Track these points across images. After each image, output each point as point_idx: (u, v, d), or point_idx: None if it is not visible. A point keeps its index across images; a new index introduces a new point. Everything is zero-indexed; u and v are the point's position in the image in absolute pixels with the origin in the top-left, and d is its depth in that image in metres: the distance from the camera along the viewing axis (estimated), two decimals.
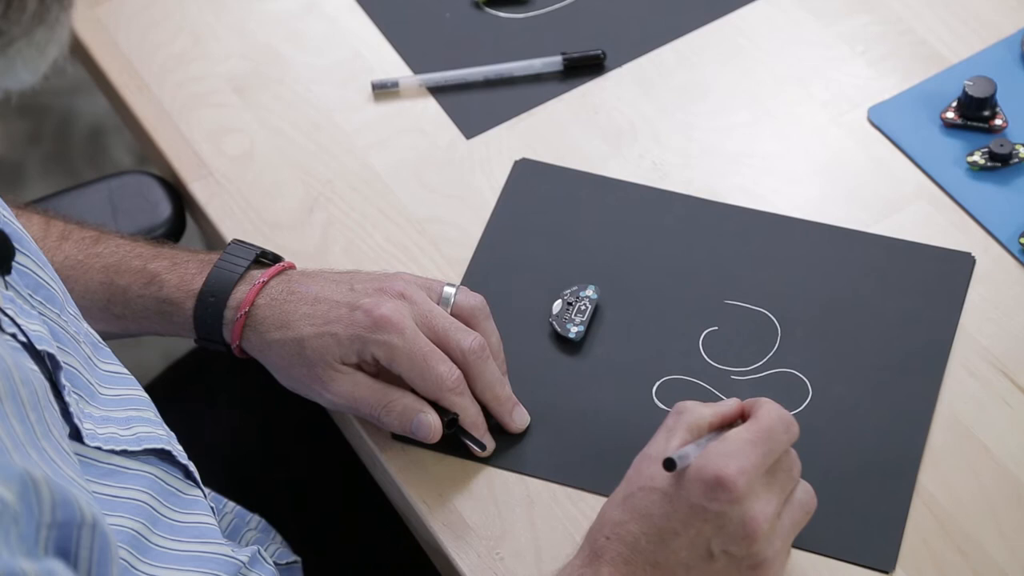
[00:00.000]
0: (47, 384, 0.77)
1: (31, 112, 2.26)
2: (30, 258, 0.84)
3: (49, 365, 0.80)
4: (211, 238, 1.17)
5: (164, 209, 1.19)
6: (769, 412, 0.87)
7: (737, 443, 0.85)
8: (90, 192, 1.23)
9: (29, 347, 0.78)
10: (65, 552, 0.69)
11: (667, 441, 0.88)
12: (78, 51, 1.27)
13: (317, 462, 1.19)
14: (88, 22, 1.25)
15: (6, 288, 0.79)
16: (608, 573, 0.86)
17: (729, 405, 0.90)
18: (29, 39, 0.68)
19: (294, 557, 1.06)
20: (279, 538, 1.07)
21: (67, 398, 0.80)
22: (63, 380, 0.80)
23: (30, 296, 0.82)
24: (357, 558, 1.15)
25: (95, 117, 2.23)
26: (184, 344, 1.16)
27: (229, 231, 1.12)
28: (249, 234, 1.11)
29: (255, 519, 1.06)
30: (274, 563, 0.99)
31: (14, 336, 0.77)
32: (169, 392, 1.23)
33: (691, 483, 0.85)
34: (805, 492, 0.89)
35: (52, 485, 0.68)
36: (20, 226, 0.86)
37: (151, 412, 0.90)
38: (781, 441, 0.87)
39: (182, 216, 1.20)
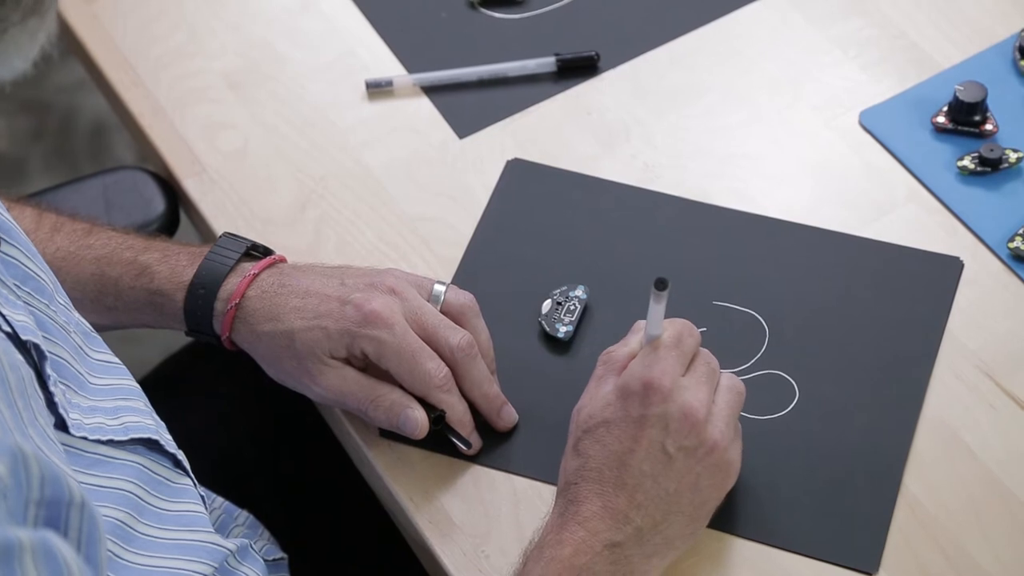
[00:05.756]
0: (33, 374, 0.77)
1: (34, 108, 2.26)
2: (18, 249, 0.84)
3: (34, 355, 0.80)
4: (205, 234, 1.17)
5: (158, 205, 1.20)
6: (672, 323, 0.94)
7: (651, 354, 0.93)
8: (84, 187, 1.23)
9: (14, 338, 0.78)
10: (54, 530, 0.69)
11: (598, 388, 0.93)
12: (74, 47, 1.27)
13: (306, 459, 1.20)
14: (84, 18, 1.26)
15: None
16: (586, 510, 0.90)
17: (640, 331, 0.96)
18: (23, 27, 0.69)
19: (281, 554, 1.06)
20: (267, 534, 1.07)
21: (52, 388, 0.80)
22: (48, 370, 0.80)
23: (16, 287, 0.83)
24: (344, 555, 1.15)
25: (97, 114, 2.24)
26: (180, 340, 1.17)
27: (222, 227, 1.13)
28: (242, 230, 1.12)
29: (243, 515, 1.06)
30: (262, 559, 1.00)
31: None
32: (162, 387, 1.23)
33: (625, 400, 0.92)
34: (730, 379, 0.96)
35: (42, 461, 0.68)
36: (10, 218, 0.86)
37: (141, 402, 0.91)
38: (689, 344, 0.94)
39: (176, 212, 1.21)
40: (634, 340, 0.95)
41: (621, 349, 0.95)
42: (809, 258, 1.08)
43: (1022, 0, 1.19)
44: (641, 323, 0.95)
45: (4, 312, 0.78)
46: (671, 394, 0.91)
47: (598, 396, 0.93)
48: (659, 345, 0.93)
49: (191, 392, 1.26)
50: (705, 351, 0.95)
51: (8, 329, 0.78)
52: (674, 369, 0.92)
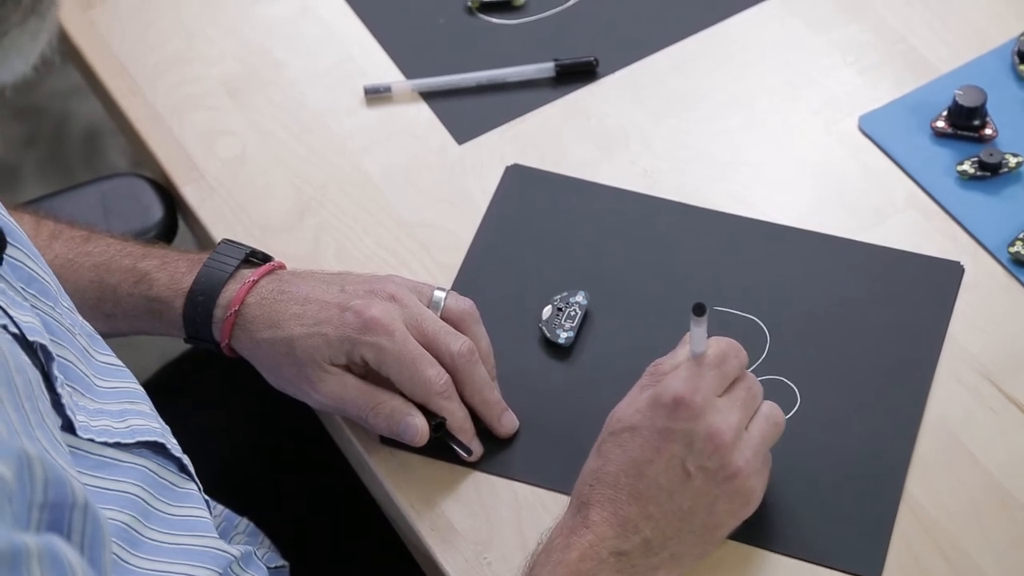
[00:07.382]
0: (39, 375, 0.77)
1: (27, 115, 2.26)
2: (23, 251, 0.84)
3: (41, 357, 0.80)
4: (203, 241, 1.17)
5: (156, 212, 1.20)
6: (718, 341, 0.93)
7: (691, 369, 0.92)
8: (82, 194, 1.23)
9: (21, 339, 0.78)
10: (58, 534, 0.69)
11: (640, 393, 0.92)
12: (72, 54, 1.27)
13: (306, 466, 1.19)
14: (81, 25, 1.25)
15: None
16: (596, 515, 0.89)
17: (688, 342, 0.94)
18: (23, 28, 0.69)
19: (282, 561, 1.06)
20: (267, 542, 1.07)
21: (59, 390, 0.80)
22: (55, 372, 0.81)
23: (23, 289, 0.83)
24: (345, 562, 1.15)
25: (91, 120, 2.24)
26: (179, 347, 1.17)
27: (221, 234, 1.12)
28: (240, 237, 1.11)
29: (243, 522, 1.06)
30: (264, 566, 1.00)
31: (5, 328, 0.77)
32: (160, 394, 1.23)
33: (654, 410, 0.91)
34: (771, 408, 0.94)
35: (46, 463, 0.68)
36: (13, 221, 0.86)
37: (146, 405, 0.90)
38: (732, 365, 0.93)
39: (174, 219, 1.20)
40: (681, 352, 0.94)
41: (668, 361, 0.94)
42: (809, 263, 1.08)
43: (1020, 4, 1.20)
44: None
45: (12, 314, 0.78)
46: (701, 412, 0.90)
47: (632, 402, 0.92)
48: (702, 362, 0.92)
49: (190, 399, 1.26)
50: (750, 375, 0.94)
51: (16, 330, 0.78)
52: (709, 388, 0.91)
